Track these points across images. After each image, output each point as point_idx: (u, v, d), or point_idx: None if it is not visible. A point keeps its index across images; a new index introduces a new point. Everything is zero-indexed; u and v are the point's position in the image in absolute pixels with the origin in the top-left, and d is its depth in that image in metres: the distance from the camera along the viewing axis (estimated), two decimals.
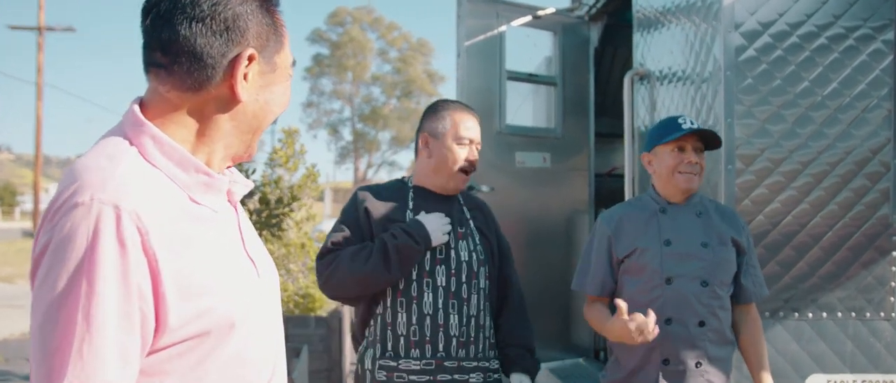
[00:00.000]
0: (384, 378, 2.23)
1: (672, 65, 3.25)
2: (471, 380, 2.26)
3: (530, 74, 4.55)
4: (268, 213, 5.79)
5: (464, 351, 2.27)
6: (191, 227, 1.06)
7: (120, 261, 0.96)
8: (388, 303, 2.28)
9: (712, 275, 2.24)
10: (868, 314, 2.79)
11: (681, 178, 2.28)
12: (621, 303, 2.06)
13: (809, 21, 2.75)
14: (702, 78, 2.94)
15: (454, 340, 2.26)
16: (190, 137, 1.11)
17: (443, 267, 2.29)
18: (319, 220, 8.02)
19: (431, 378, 2.22)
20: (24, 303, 10.99)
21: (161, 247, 0.99)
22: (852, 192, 2.77)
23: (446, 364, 2.25)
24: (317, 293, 5.85)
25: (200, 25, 1.06)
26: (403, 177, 2.52)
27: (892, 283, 2.80)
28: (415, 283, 2.27)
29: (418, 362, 2.23)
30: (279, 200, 5.79)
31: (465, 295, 2.29)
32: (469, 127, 2.39)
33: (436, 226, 2.27)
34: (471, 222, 2.41)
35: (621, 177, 4.06)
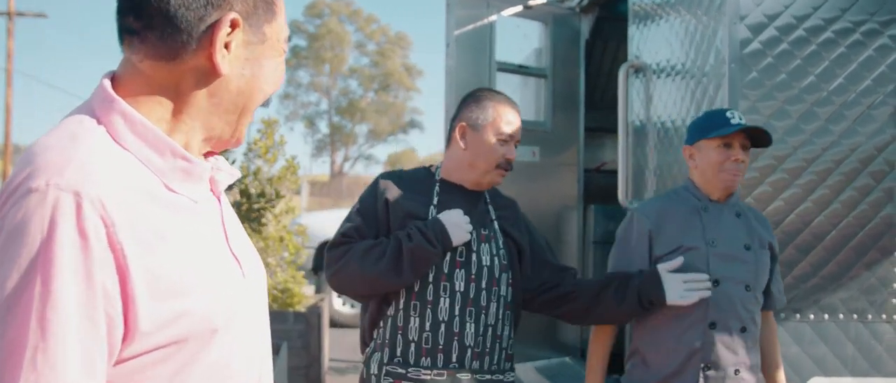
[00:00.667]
0: None
1: (670, 57, 3.16)
2: None
3: (520, 66, 4.45)
4: (248, 206, 5.62)
5: (478, 362, 2.11)
6: (165, 219, 0.92)
7: (81, 256, 0.82)
8: (401, 306, 2.11)
9: (755, 280, 2.14)
10: (870, 316, 2.72)
11: (725, 176, 2.15)
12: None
13: (816, 14, 2.67)
14: (703, 71, 2.85)
15: (469, 350, 2.10)
16: (166, 116, 0.97)
17: (462, 271, 2.12)
18: (298, 213, 7.87)
19: None
20: None
21: (130, 241, 0.85)
22: (856, 191, 2.69)
23: (459, 375, 2.09)
24: (296, 287, 5.70)
25: None
26: (429, 166, 2.34)
27: (895, 285, 2.73)
28: (430, 287, 2.10)
29: (429, 371, 2.07)
30: (261, 193, 5.63)
31: (483, 303, 2.13)
32: (511, 121, 2.22)
33: (456, 223, 2.09)
34: (496, 223, 2.24)
35: (611, 172, 3.99)
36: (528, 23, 4.47)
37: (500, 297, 2.16)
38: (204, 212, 1.00)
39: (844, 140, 2.68)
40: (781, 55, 2.65)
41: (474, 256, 2.14)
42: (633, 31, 3.53)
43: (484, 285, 2.13)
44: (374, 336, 2.17)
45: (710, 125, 2.16)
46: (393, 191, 2.18)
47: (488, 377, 2.13)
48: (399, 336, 2.11)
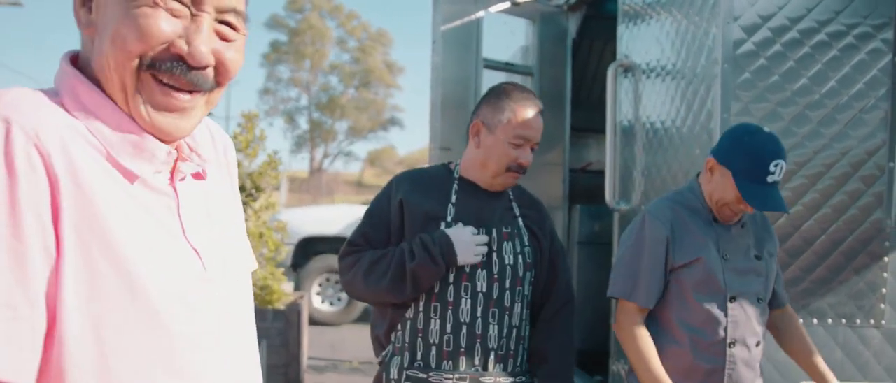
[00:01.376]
0: None
1: (660, 57, 3.12)
2: None
3: (507, 63, 4.40)
4: None
5: (501, 365, 2.02)
6: (109, 185, 0.86)
7: (7, 181, 0.76)
8: (421, 308, 2.02)
9: (765, 291, 2.10)
10: (858, 321, 2.70)
11: (726, 214, 2.07)
12: None
13: (810, 15, 2.64)
14: (694, 72, 2.81)
15: (492, 353, 2.01)
16: (117, 92, 0.91)
17: (484, 271, 2.02)
18: (277, 209, 7.77)
19: None
20: None
21: (67, 179, 0.80)
22: (846, 195, 2.67)
23: (482, 379, 2.00)
24: (275, 284, 5.62)
25: None
26: (448, 164, 2.24)
27: (884, 290, 2.72)
28: (451, 287, 2.01)
29: (451, 375, 1.99)
30: (242, 188, 5.54)
31: (507, 304, 2.03)
32: (529, 124, 2.06)
33: (466, 241, 1.98)
34: (520, 220, 2.14)
35: (597, 173, 3.95)
36: (515, 20, 4.43)
37: (523, 297, 2.08)
38: (155, 195, 0.93)
39: (836, 143, 2.65)
40: (774, 56, 2.62)
41: (495, 255, 2.05)
42: (622, 30, 3.49)
43: (508, 285, 2.05)
44: (392, 339, 2.08)
45: (749, 168, 1.98)
46: (408, 191, 2.09)
47: (512, 380, 2.05)
48: (419, 339, 2.03)
